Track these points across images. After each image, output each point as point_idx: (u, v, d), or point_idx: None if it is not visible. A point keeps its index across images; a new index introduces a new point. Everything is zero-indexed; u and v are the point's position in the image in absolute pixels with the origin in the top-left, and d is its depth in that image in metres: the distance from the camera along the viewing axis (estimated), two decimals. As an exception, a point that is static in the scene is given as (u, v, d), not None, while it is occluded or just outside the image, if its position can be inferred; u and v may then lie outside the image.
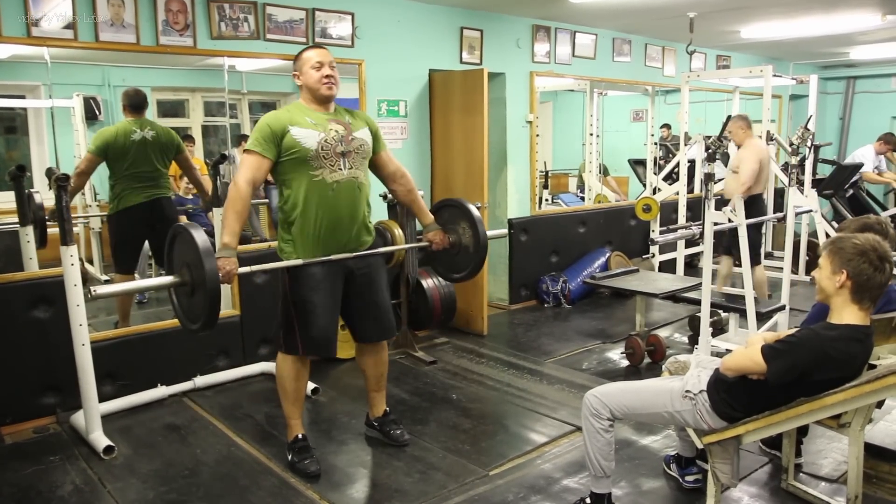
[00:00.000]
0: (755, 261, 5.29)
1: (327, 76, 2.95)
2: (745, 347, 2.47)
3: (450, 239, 3.37)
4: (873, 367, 2.34)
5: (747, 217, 4.98)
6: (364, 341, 3.30)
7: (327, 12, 4.62)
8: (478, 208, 4.89)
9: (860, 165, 7.69)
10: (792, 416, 2.30)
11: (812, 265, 6.82)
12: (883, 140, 7.95)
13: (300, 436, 3.19)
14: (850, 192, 7.78)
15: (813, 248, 6.70)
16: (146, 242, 4.89)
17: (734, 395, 2.41)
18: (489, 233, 3.37)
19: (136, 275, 4.97)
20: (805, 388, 2.28)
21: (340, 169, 2.95)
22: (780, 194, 7.42)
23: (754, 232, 5.24)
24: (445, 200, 3.52)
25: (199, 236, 2.54)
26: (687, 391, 2.50)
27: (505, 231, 3.79)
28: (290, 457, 3.17)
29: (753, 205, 5.38)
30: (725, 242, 5.37)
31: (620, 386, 2.72)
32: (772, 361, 2.27)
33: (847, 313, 2.31)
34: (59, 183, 3.11)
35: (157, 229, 4.62)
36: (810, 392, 2.27)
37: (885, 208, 8.11)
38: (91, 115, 5.47)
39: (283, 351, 3.11)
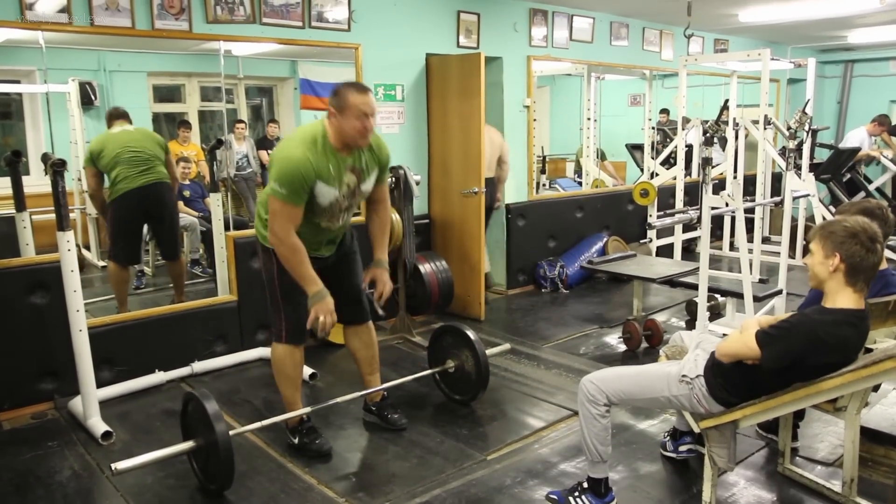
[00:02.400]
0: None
1: (366, 127, 2.82)
2: (739, 332, 2.45)
3: (452, 363, 3.56)
4: (870, 350, 2.35)
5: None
6: (351, 324, 3.32)
7: (323, -5, 4.58)
8: (474, 193, 4.98)
9: (858, 149, 7.67)
10: (788, 400, 2.30)
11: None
12: (877, 122, 7.92)
13: (306, 418, 3.21)
14: (848, 176, 7.77)
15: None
16: (144, 231, 4.88)
17: (730, 381, 2.41)
18: (489, 351, 3.49)
19: (136, 263, 4.96)
20: (799, 373, 2.28)
21: (338, 220, 3.03)
22: (777, 179, 7.43)
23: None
24: (447, 327, 3.64)
25: (210, 406, 2.64)
26: (683, 375, 2.50)
27: (508, 346, 3.90)
28: (296, 440, 3.18)
29: (487, 186, 5.39)
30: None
31: (617, 371, 2.72)
32: (766, 347, 2.27)
33: (841, 297, 2.30)
34: (55, 168, 3.09)
35: (155, 215, 4.62)
36: (805, 377, 2.27)
37: (883, 193, 8.09)
38: (87, 101, 5.44)
39: (274, 339, 3.15)
